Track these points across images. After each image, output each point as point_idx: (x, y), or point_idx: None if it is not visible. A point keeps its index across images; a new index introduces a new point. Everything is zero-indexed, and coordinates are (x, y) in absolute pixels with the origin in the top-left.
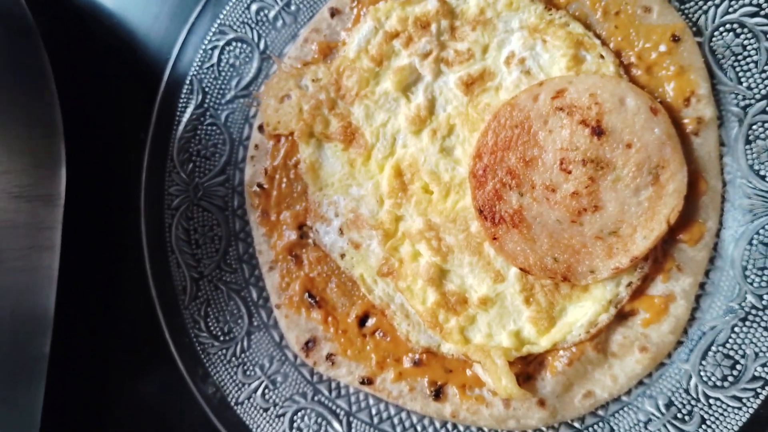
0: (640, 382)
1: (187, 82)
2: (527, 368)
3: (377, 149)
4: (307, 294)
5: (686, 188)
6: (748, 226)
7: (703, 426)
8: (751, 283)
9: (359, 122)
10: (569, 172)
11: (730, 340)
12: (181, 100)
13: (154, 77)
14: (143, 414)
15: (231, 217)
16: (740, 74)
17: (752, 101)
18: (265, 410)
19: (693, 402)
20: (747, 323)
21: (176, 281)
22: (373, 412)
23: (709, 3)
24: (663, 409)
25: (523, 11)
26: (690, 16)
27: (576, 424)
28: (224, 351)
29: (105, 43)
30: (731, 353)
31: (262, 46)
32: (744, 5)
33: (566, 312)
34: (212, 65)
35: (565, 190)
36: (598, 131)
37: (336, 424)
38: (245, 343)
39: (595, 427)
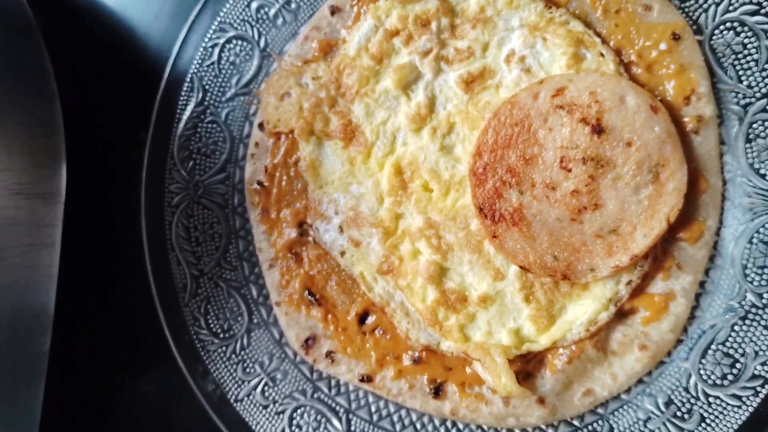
0: (640, 381)
1: (188, 79)
2: (527, 366)
3: (377, 147)
4: (307, 292)
5: (686, 186)
6: (748, 224)
7: (703, 424)
8: (751, 282)
9: (359, 120)
10: (569, 170)
11: (730, 339)
12: (182, 98)
13: (155, 75)
14: (143, 411)
15: (231, 214)
16: (740, 73)
17: (752, 100)
18: (265, 407)
19: (693, 400)
20: (747, 322)
21: (176, 279)
22: (373, 409)
23: (710, 1)
24: (662, 408)
25: (523, 9)
26: (690, 14)
27: (575, 423)
28: (224, 348)
29: (105, 41)
30: (731, 352)
31: (262, 43)
32: (744, 3)
33: (566, 310)
34: (212, 63)
35: (565, 188)
36: (599, 129)
37: (335, 422)
38: (245, 341)
39: (595, 425)
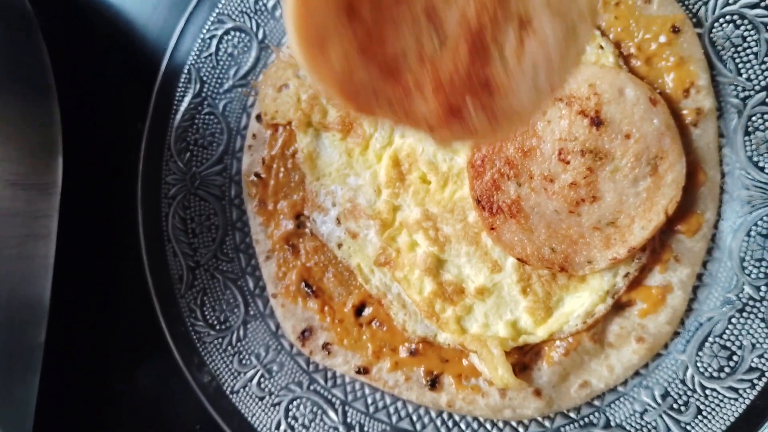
0: (637, 373)
1: (185, 71)
2: (523, 358)
3: (375, 139)
4: (303, 283)
5: (685, 179)
6: (746, 217)
7: (699, 417)
8: (749, 275)
9: None
10: (567, 163)
11: (727, 331)
12: (179, 90)
13: (152, 66)
14: (139, 402)
15: (228, 206)
16: (740, 65)
17: (752, 93)
18: (261, 399)
19: (689, 393)
20: (744, 314)
21: (173, 270)
22: (369, 401)
23: None
24: (659, 400)
25: None
26: (690, 7)
27: (572, 414)
28: (220, 340)
29: (103, 32)
30: (728, 344)
31: (260, 35)
32: None
33: (563, 302)
34: (210, 54)
35: (564, 181)
36: (597, 122)
37: (332, 414)
38: (241, 333)
39: (591, 417)
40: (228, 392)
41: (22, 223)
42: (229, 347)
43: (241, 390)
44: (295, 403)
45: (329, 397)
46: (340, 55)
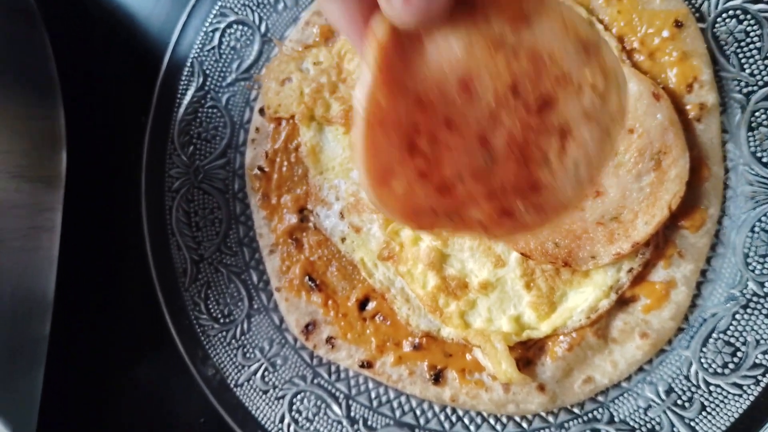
0: (641, 369)
1: (188, 64)
2: (527, 353)
3: None
4: (307, 277)
5: (688, 174)
6: (750, 213)
7: (703, 413)
8: (753, 270)
9: None
10: None
11: (731, 327)
12: (182, 83)
13: (155, 60)
14: (142, 395)
15: (231, 200)
16: (743, 61)
17: (755, 88)
18: (265, 392)
19: (693, 389)
20: (748, 310)
21: (176, 264)
22: (373, 395)
23: None
24: (663, 396)
25: None
26: (693, 1)
27: (575, 410)
28: (224, 333)
29: (106, 25)
30: (732, 340)
31: (263, 28)
32: None
33: (567, 297)
34: (213, 48)
35: None
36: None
37: (335, 407)
38: (245, 326)
39: (595, 412)
40: (232, 385)
41: (27, 216)
42: (233, 341)
43: (245, 383)
44: (299, 396)
45: (333, 390)
46: (403, 185)
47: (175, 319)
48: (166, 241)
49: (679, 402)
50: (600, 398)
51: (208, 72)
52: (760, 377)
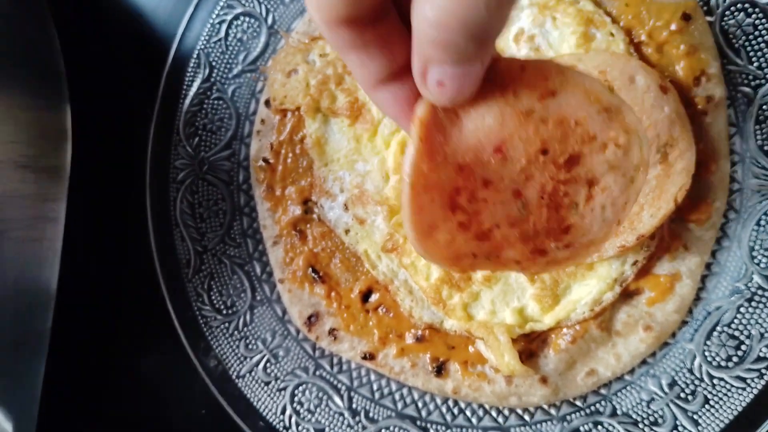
0: (644, 362)
1: (195, 56)
2: (530, 345)
3: (384, 125)
4: (310, 269)
5: (694, 167)
6: (756, 206)
7: (707, 406)
8: (758, 264)
9: (366, 98)
10: None
11: (736, 321)
12: (188, 74)
13: (162, 51)
14: (144, 386)
15: (236, 191)
16: (751, 54)
17: (763, 81)
18: (267, 384)
19: (697, 382)
20: (753, 304)
21: (180, 254)
22: (375, 387)
23: None
24: (666, 389)
25: None
26: None
27: (578, 403)
28: (227, 324)
29: (112, 16)
30: (736, 333)
31: (270, 20)
32: None
33: (571, 290)
34: (220, 39)
35: None
36: (608, 109)
37: (337, 399)
38: (248, 317)
39: (598, 405)
40: (234, 377)
41: (31, 206)
42: (236, 332)
43: (247, 375)
44: (300, 388)
45: (335, 382)
46: (446, 237)
47: (177, 310)
48: (169, 232)
49: (683, 395)
50: (603, 391)
51: (214, 64)
52: (764, 371)
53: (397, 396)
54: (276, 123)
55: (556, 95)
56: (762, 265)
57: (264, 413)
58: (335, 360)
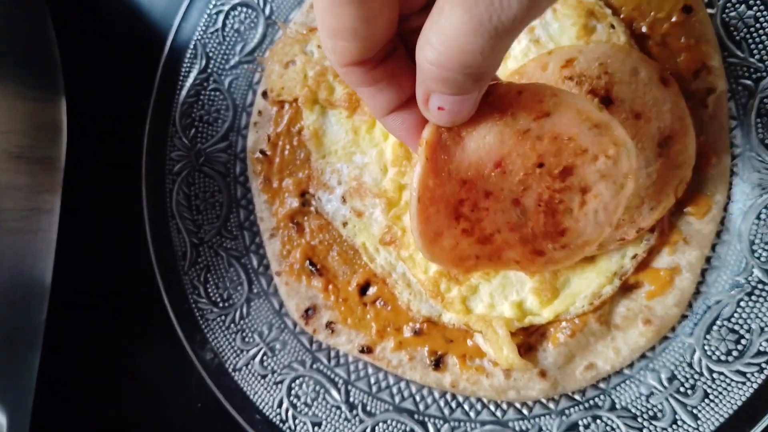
0: (643, 356)
1: (191, 46)
2: (529, 339)
3: None
4: (308, 262)
5: (695, 160)
6: (757, 200)
7: (706, 400)
8: (758, 258)
9: None
10: None
11: (736, 315)
12: (185, 65)
13: (158, 42)
14: (140, 379)
15: (233, 183)
16: (752, 47)
17: (764, 74)
18: (263, 377)
19: (696, 376)
20: (753, 298)
21: (176, 247)
22: (372, 381)
23: None
24: (665, 383)
25: None
26: None
27: (577, 397)
28: (223, 317)
29: (109, 7)
30: (736, 327)
31: (267, 11)
32: None
33: (570, 283)
34: (216, 30)
35: None
36: (607, 101)
37: (334, 393)
38: (244, 310)
39: (596, 399)
40: (230, 370)
41: (26, 197)
42: (232, 325)
43: (244, 368)
44: (297, 381)
45: (332, 376)
46: (450, 243)
47: (173, 303)
48: (166, 225)
49: (682, 389)
50: (602, 385)
51: (211, 54)
52: (764, 365)
53: (394, 389)
54: (273, 114)
55: (551, 115)
56: (762, 259)
57: (261, 406)
58: (332, 353)
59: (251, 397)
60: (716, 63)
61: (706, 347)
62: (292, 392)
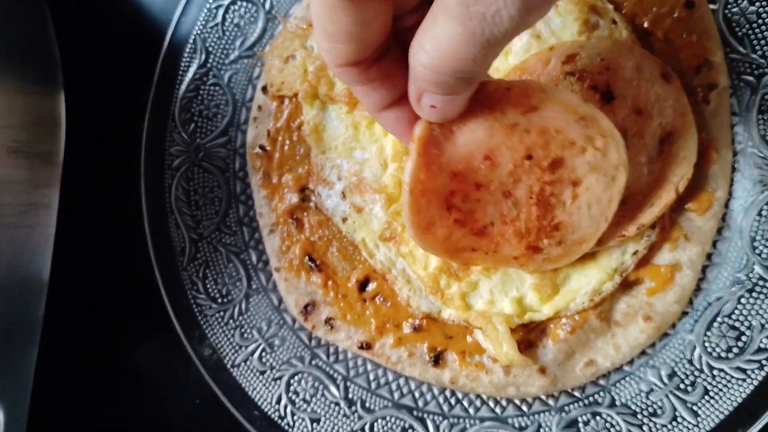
0: (643, 352)
1: (191, 41)
2: (529, 335)
3: None
4: (307, 258)
5: (696, 156)
6: (758, 196)
7: (706, 397)
8: (759, 254)
9: None
10: None
11: (736, 311)
12: (184, 60)
13: (157, 36)
14: (139, 375)
15: (232, 178)
16: (754, 42)
17: (766, 70)
18: (262, 373)
19: (696, 373)
20: (754, 294)
21: (175, 242)
22: (371, 377)
23: None
24: (665, 380)
25: None
26: None
27: (576, 393)
28: (222, 313)
29: (108, 1)
30: (737, 324)
31: (267, 5)
32: None
33: (570, 280)
34: (216, 24)
35: None
36: (609, 97)
37: (333, 389)
38: (243, 306)
39: (596, 396)
40: (229, 366)
41: (24, 192)
42: (231, 321)
43: (242, 364)
44: (296, 377)
45: (331, 372)
46: (444, 232)
47: (172, 299)
48: (164, 220)
49: (682, 386)
50: (601, 382)
51: (210, 49)
52: (764, 362)
53: (393, 386)
54: (273, 109)
55: (538, 109)
56: (763, 256)
57: (259, 403)
58: (331, 349)
59: (250, 393)
60: (718, 59)
61: (707, 344)
62: (291, 388)
